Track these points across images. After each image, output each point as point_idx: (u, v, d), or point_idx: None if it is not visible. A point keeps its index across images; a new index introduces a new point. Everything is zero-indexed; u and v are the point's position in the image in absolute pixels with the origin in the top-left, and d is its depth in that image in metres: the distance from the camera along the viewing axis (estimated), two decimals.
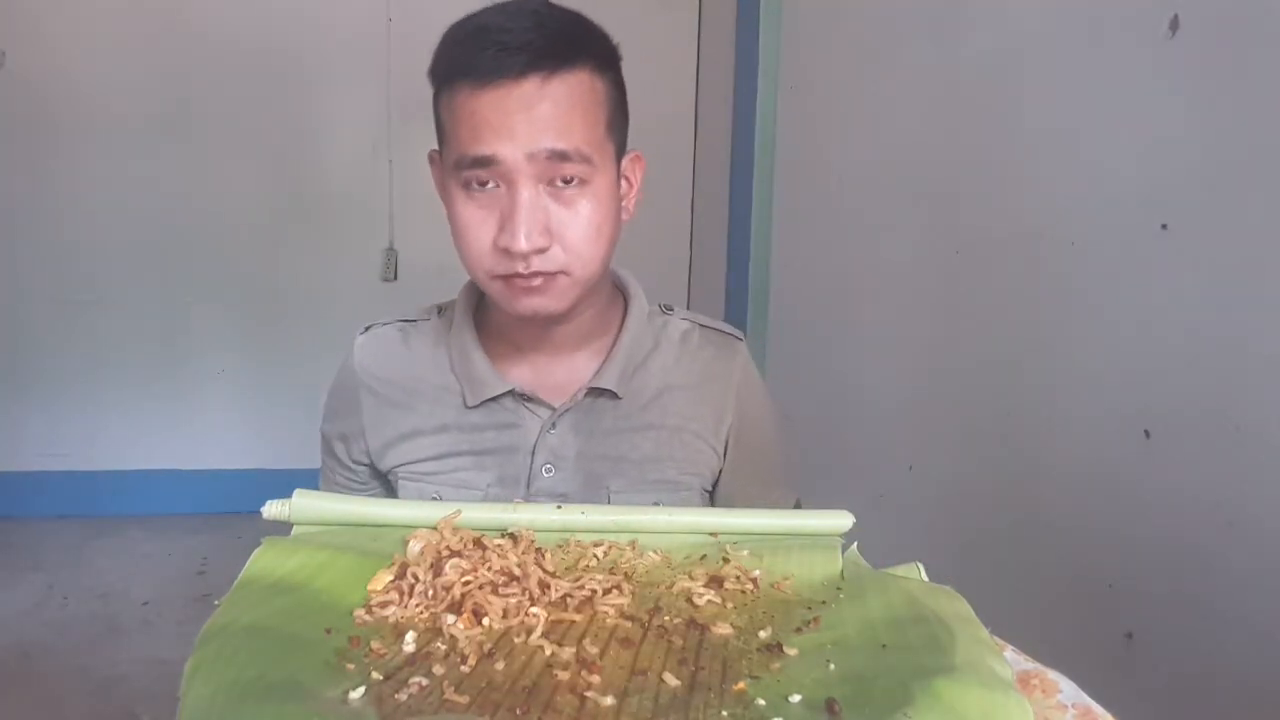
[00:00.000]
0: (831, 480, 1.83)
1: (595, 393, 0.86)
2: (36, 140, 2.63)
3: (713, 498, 0.92)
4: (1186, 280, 1.03)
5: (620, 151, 0.81)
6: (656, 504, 0.83)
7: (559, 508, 0.67)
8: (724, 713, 0.43)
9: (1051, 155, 1.26)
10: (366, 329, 0.93)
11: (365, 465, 0.90)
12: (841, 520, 0.66)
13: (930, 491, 1.58)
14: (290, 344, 2.79)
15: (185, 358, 2.78)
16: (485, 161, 0.73)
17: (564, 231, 0.75)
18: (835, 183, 1.93)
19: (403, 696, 0.44)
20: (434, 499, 0.82)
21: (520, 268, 0.74)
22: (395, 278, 2.85)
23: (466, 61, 0.72)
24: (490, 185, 0.74)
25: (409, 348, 0.90)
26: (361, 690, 0.44)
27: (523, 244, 0.72)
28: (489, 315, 0.88)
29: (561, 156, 0.73)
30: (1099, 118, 1.16)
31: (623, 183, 0.82)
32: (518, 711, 0.43)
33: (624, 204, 0.83)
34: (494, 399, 0.85)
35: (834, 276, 1.94)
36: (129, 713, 1.78)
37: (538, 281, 0.75)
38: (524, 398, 0.85)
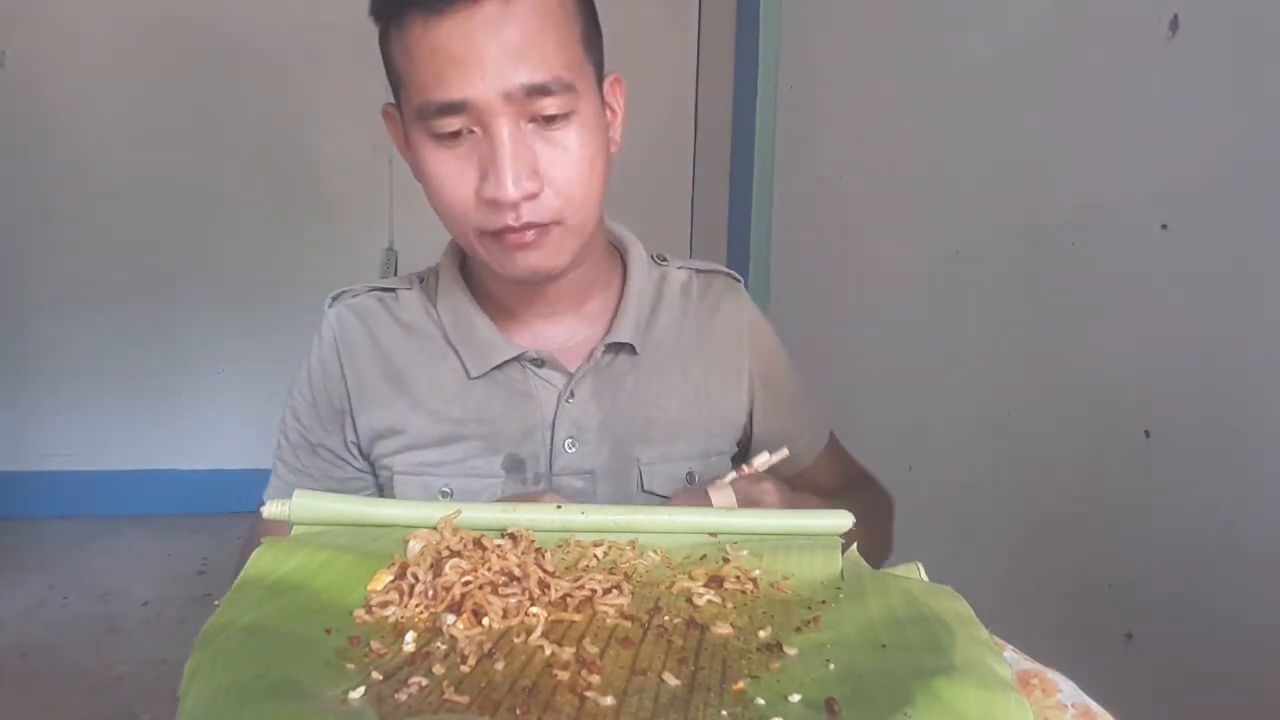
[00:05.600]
0: None
1: (613, 351, 0.79)
2: (36, 140, 2.63)
3: (748, 447, 0.86)
4: (1186, 280, 1.03)
5: (600, 72, 0.72)
6: (689, 473, 0.78)
7: (559, 507, 0.67)
8: (724, 712, 0.43)
9: (1051, 155, 1.26)
10: (336, 297, 0.84)
11: (355, 448, 0.82)
12: (841, 520, 0.66)
13: (930, 491, 1.58)
14: (290, 344, 2.78)
15: (185, 358, 2.78)
16: (454, 107, 0.64)
17: (553, 172, 0.67)
18: (835, 183, 1.92)
19: (403, 696, 0.44)
20: (443, 493, 0.76)
21: (510, 219, 0.66)
22: (395, 274, 2.85)
23: None
24: (464, 133, 0.66)
25: (392, 318, 0.82)
26: (361, 690, 0.44)
27: (511, 191, 0.64)
28: (477, 280, 0.81)
29: (541, 90, 0.64)
30: (1099, 118, 1.16)
31: (606, 112, 0.74)
32: (518, 711, 0.43)
33: (610, 135, 0.74)
34: (499, 367, 0.77)
35: (834, 276, 1.94)
36: (129, 713, 1.78)
37: (531, 235, 0.68)
38: (535, 363, 0.77)
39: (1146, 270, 1.08)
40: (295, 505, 0.65)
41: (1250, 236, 0.95)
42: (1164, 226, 1.05)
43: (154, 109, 2.67)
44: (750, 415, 0.85)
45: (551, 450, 0.77)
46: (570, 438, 0.77)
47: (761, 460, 0.72)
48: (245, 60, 2.70)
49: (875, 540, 0.81)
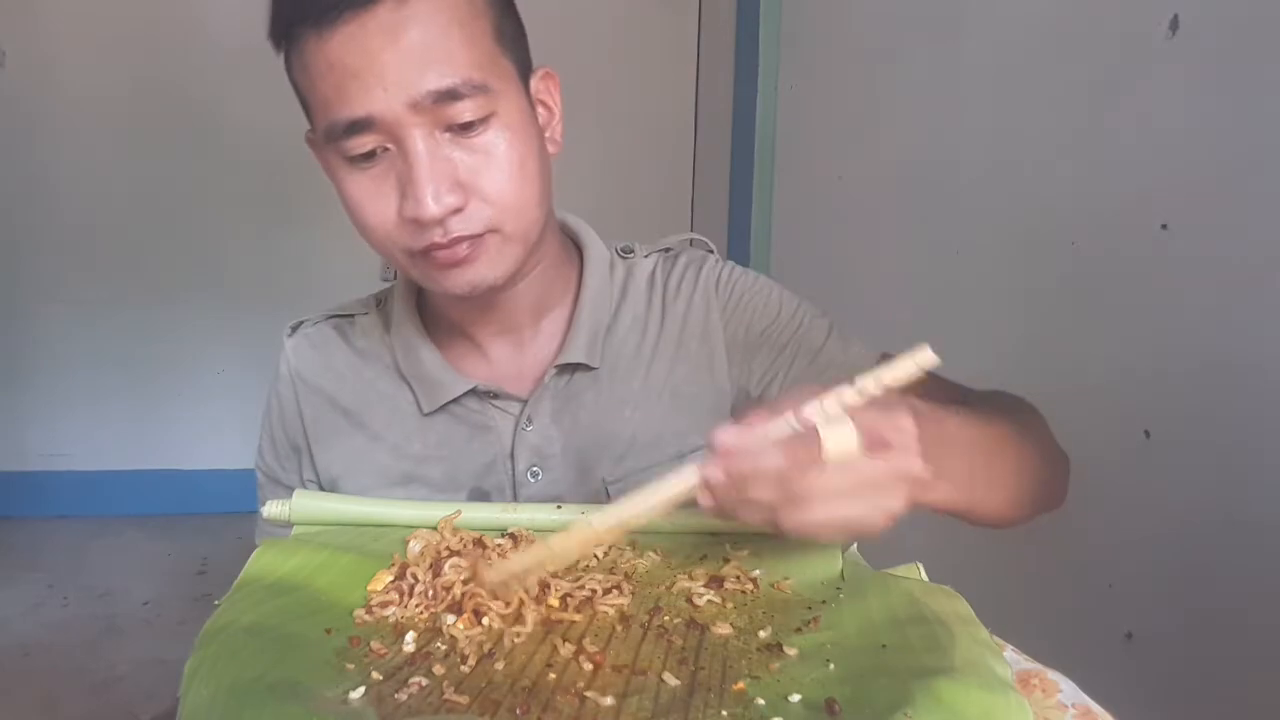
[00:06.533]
0: None
1: (566, 371, 0.74)
2: (36, 140, 2.63)
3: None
4: (1186, 280, 1.03)
5: (524, 69, 0.67)
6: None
7: (559, 508, 0.67)
8: (724, 712, 0.43)
9: (1051, 155, 1.25)
10: (294, 329, 0.81)
11: (314, 486, 0.79)
12: None
13: None
14: None
15: (185, 357, 2.78)
16: (361, 125, 0.60)
17: (478, 182, 0.62)
18: (835, 183, 1.92)
19: (403, 696, 0.44)
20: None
21: (437, 236, 0.62)
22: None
23: (302, 3, 0.60)
24: (378, 151, 0.61)
25: (350, 348, 0.79)
26: (361, 690, 0.44)
27: (431, 208, 0.60)
28: (429, 305, 0.77)
29: (451, 95, 0.59)
30: (1099, 118, 1.16)
31: (540, 110, 0.69)
32: (518, 711, 0.42)
33: (548, 134, 0.70)
34: (455, 401, 0.73)
35: (834, 276, 1.93)
36: (128, 713, 1.78)
37: (464, 249, 0.63)
38: (488, 395, 0.73)
39: (1146, 270, 1.08)
40: (295, 505, 0.65)
41: (1250, 236, 0.95)
42: (1164, 226, 1.05)
43: (153, 109, 2.67)
44: (745, 379, 0.77)
45: (514, 481, 0.74)
46: (534, 466, 0.73)
47: (889, 373, 0.47)
48: (246, 59, 2.70)
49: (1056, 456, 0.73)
